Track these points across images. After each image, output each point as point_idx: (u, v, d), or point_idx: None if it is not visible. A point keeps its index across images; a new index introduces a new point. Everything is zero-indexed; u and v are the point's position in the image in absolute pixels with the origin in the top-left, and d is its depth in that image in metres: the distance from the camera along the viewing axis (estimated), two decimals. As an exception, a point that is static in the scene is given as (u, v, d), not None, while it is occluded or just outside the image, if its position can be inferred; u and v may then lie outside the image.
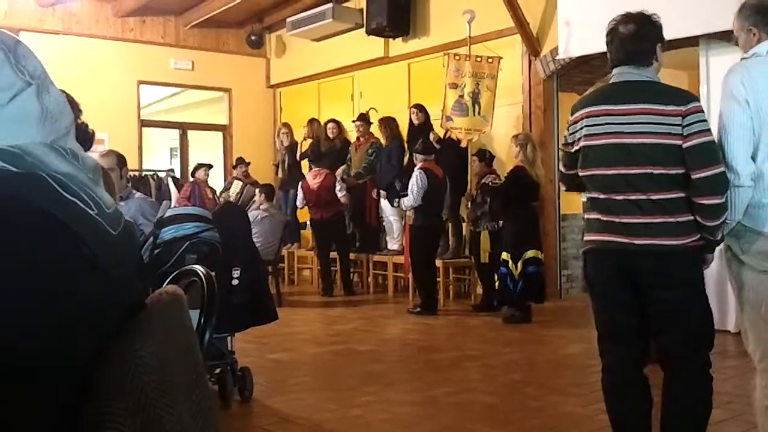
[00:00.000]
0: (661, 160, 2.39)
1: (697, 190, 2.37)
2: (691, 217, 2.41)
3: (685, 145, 2.36)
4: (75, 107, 2.44)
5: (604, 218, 2.50)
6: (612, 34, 2.52)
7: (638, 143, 2.41)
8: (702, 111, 2.41)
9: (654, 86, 2.49)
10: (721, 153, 2.38)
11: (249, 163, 9.43)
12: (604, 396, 2.63)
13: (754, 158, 2.38)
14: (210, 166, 9.26)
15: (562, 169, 2.78)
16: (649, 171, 2.40)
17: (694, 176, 2.36)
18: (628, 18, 2.50)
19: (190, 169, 9.62)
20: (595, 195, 2.55)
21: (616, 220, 2.46)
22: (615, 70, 2.53)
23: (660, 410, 2.51)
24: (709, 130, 2.38)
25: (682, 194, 2.41)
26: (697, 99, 2.46)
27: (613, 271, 2.52)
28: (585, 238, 2.64)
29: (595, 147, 2.50)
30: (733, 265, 2.49)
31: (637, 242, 2.42)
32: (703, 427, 2.48)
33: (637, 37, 2.46)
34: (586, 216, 2.64)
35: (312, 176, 8.23)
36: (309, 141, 9.17)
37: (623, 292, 2.51)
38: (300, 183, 8.34)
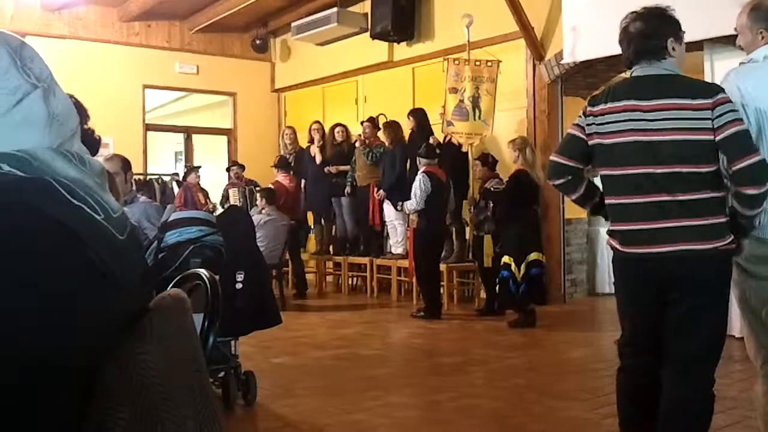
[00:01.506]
0: (691, 157, 2.29)
1: (738, 181, 2.26)
2: (723, 219, 2.32)
3: (718, 138, 2.25)
4: (82, 112, 2.44)
5: (627, 227, 2.39)
6: (624, 33, 2.45)
7: (666, 140, 2.30)
8: (730, 101, 2.29)
9: (679, 80, 2.39)
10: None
11: (243, 167, 9.41)
12: (617, 394, 2.58)
13: None
14: (199, 167, 9.25)
15: (555, 157, 2.55)
16: (677, 170, 2.29)
17: (734, 168, 2.24)
18: (637, 16, 2.44)
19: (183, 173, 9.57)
20: (615, 200, 2.43)
21: (641, 227, 2.35)
22: (634, 67, 2.45)
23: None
24: (741, 119, 2.28)
25: (712, 194, 2.30)
26: (724, 90, 2.34)
27: (638, 281, 2.43)
28: (609, 242, 2.51)
29: (618, 144, 2.37)
30: (733, 270, 2.47)
31: (663, 249, 2.31)
32: None
33: (644, 35, 2.40)
34: (610, 227, 2.50)
35: (286, 180, 8.58)
36: (318, 144, 9.15)
37: (647, 301, 2.42)
38: (271, 185, 8.54)
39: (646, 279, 2.41)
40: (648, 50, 2.39)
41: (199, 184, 9.08)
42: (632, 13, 2.47)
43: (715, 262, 2.33)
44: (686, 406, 2.41)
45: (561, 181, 2.55)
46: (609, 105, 2.40)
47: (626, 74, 2.59)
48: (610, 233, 2.49)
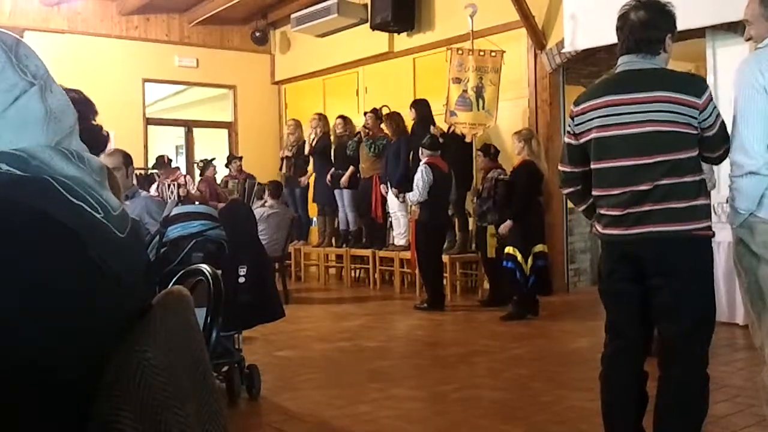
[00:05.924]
0: (673, 147, 2.36)
1: (710, 162, 2.58)
2: (702, 202, 2.39)
3: (706, 135, 2.40)
4: (90, 107, 2.42)
5: (609, 212, 2.47)
6: (623, 20, 2.46)
7: (652, 131, 2.36)
8: (712, 98, 2.41)
9: (668, 74, 2.45)
10: (737, 140, 2.40)
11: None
12: (600, 385, 2.61)
13: None
14: (213, 159, 9.33)
15: (561, 167, 2.67)
16: (660, 159, 2.36)
17: (711, 155, 2.49)
18: (640, 4, 2.45)
19: (199, 166, 9.62)
20: (600, 191, 2.50)
21: (620, 213, 2.42)
22: (621, 59, 2.48)
23: (654, 406, 2.48)
24: (719, 114, 2.43)
25: (690, 178, 2.37)
26: (708, 85, 2.45)
27: (617, 263, 2.50)
28: (594, 231, 2.62)
29: (607, 138, 2.44)
30: (745, 258, 2.45)
31: (636, 231, 2.39)
32: (693, 427, 2.43)
33: (646, 25, 2.41)
34: (597, 210, 2.60)
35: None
36: (318, 136, 9.13)
37: (626, 284, 2.49)
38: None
39: (623, 260, 2.48)
40: (649, 41, 2.42)
41: (215, 178, 9.17)
42: (635, 1, 2.47)
43: (691, 245, 2.39)
44: (679, 389, 2.43)
45: (570, 189, 2.69)
46: (591, 102, 2.48)
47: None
48: (596, 218, 2.58)
